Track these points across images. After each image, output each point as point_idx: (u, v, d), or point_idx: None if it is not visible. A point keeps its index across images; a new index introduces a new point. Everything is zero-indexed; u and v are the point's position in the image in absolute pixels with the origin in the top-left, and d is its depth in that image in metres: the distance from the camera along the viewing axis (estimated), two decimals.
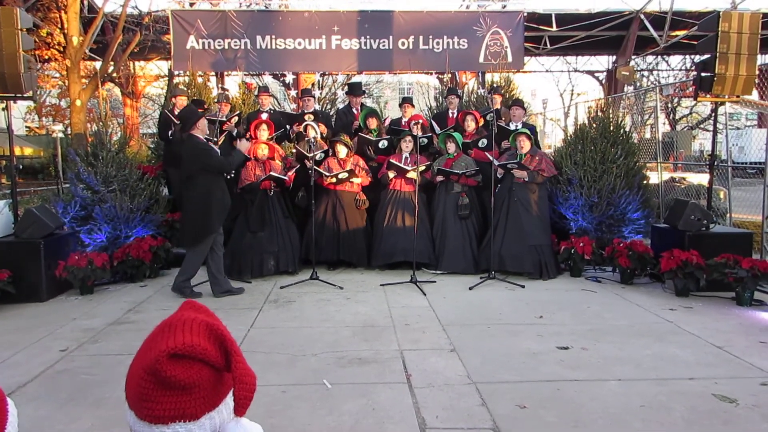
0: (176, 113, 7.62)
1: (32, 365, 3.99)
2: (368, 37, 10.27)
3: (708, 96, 6.41)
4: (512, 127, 7.10)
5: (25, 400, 3.40)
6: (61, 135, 20.78)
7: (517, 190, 6.60)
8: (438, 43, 10.36)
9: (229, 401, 0.95)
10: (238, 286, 6.02)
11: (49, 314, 5.32)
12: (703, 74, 6.27)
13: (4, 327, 4.93)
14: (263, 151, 6.60)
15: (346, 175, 6.77)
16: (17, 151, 22.60)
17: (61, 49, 15.45)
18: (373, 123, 7.43)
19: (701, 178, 9.33)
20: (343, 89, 15.52)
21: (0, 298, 5.36)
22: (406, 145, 6.90)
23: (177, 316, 0.95)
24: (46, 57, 17.07)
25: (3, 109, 6.18)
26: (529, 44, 17.57)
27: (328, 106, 15.46)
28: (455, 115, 7.80)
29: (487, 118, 7.12)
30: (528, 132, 6.68)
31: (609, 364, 3.89)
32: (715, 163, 6.84)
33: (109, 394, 3.48)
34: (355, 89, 8.25)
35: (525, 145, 6.57)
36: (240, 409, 0.94)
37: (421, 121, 7.35)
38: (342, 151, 6.88)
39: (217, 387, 0.92)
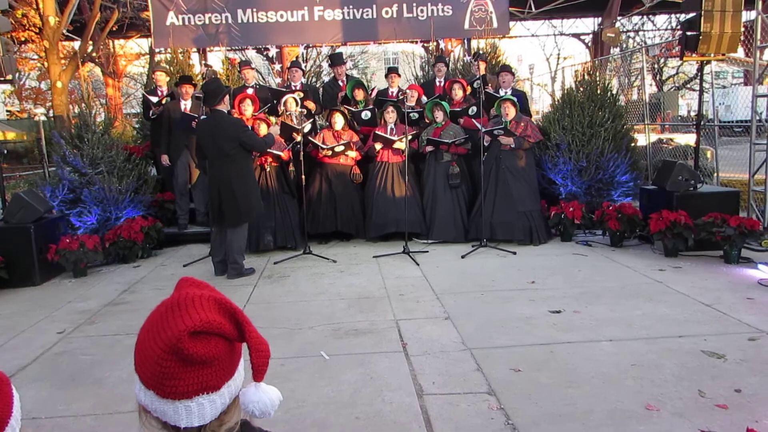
0: (158, 91, 7.53)
1: (31, 348, 4.02)
2: (351, 6, 10.10)
3: (694, 55, 6.40)
4: (501, 93, 7.07)
5: (26, 382, 3.43)
6: (43, 118, 20.49)
7: (504, 158, 6.61)
8: (422, 11, 10.21)
9: (240, 368, 1.01)
10: (248, 266, 5.86)
11: (44, 298, 5.34)
12: (688, 33, 6.25)
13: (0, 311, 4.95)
14: (262, 128, 6.52)
15: (342, 147, 6.73)
16: (0, 136, 22.28)
17: (38, 31, 15.08)
18: (359, 94, 7.37)
19: (688, 139, 9.37)
20: (327, 62, 15.34)
21: None
22: (390, 115, 6.86)
23: (182, 294, 0.97)
24: (23, 39, 16.67)
25: None
26: (514, 8, 17.29)
27: (314, 79, 15.29)
28: (442, 84, 7.75)
29: (474, 85, 7.08)
30: (513, 98, 6.65)
31: (601, 326, 3.97)
32: (702, 123, 6.86)
33: (109, 373, 3.52)
34: (336, 59, 8.16)
35: (510, 111, 6.55)
36: (258, 375, 0.98)
37: (413, 91, 7.30)
38: (339, 121, 6.82)
39: (231, 356, 0.97)
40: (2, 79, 5.87)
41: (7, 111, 28.86)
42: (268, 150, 6.30)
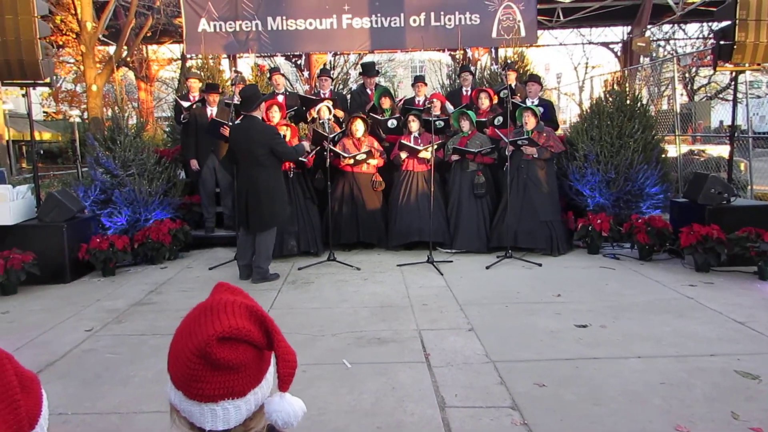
0: (190, 97, 7.65)
1: (59, 344, 4.10)
2: (379, 15, 10.15)
3: (728, 65, 6.27)
4: (528, 103, 7.02)
5: (53, 378, 3.50)
6: (78, 120, 20.96)
7: (526, 167, 6.56)
8: (450, 19, 10.21)
9: (268, 376, 1.02)
10: (273, 272, 5.91)
11: (74, 295, 5.45)
12: (722, 42, 6.12)
13: (30, 307, 5.07)
14: (285, 133, 6.57)
15: (363, 156, 6.74)
16: (36, 136, 22.88)
17: (75, 35, 15.49)
18: (386, 103, 7.38)
19: (721, 150, 9.18)
20: (355, 69, 15.42)
21: (26, 279, 5.48)
22: (412, 124, 6.84)
23: (216, 299, 0.98)
24: (61, 43, 17.15)
25: (23, 96, 6.24)
26: (542, 17, 17.20)
27: (341, 86, 15.38)
28: (469, 93, 7.72)
29: (501, 94, 7.04)
30: (533, 108, 6.60)
31: (628, 342, 3.89)
32: (736, 134, 6.71)
33: (135, 372, 3.56)
34: (368, 69, 8.19)
35: (530, 121, 6.51)
36: (284, 385, 0.99)
37: (437, 100, 7.27)
38: (360, 128, 6.84)
39: (259, 364, 0.98)
40: (41, 81, 6.02)
41: (44, 112, 29.65)
42: None
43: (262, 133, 5.54)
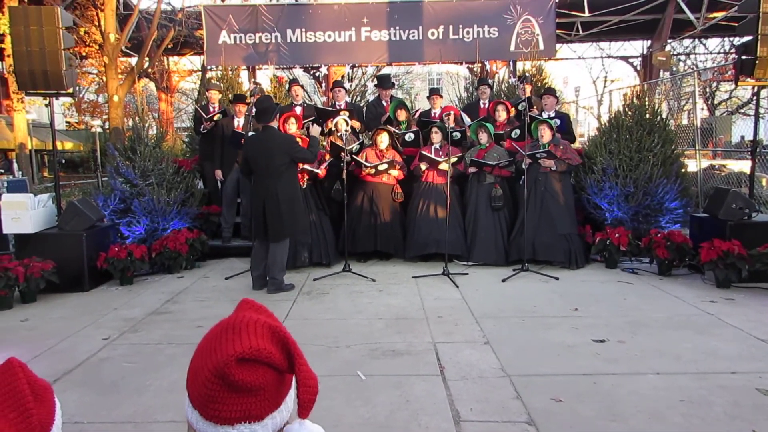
0: (209, 108, 7.74)
1: (77, 353, 4.13)
2: (398, 27, 10.24)
3: (749, 80, 6.21)
4: (545, 116, 7.00)
5: (70, 387, 3.52)
6: (99, 130, 21.32)
7: (543, 180, 6.53)
8: (468, 33, 10.27)
9: (288, 400, 0.97)
10: (288, 282, 5.92)
11: (92, 304, 5.50)
12: (744, 57, 6.07)
13: (49, 315, 5.13)
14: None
15: (386, 166, 6.77)
16: (58, 146, 23.30)
17: (98, 47, 15.80)
18: (402, 115, 7.40)
19: (742, 165, 9.05)
20: (372, 81, 15.49)
21: (45, 287, 5.55)
22: (435, 136, 6.86)
23: (239, 318, 0.95)
24: (84, 54, 17.50)
25: (46, 105, 6.37)
26: (561, 31, 17.20)
27: (358, 98, 15.48)
28: (486, 106, 7.72)
29: (519, 107, 7.03)
30: (549, 121, 6.58)
31: (647, 358, 3.82)
32: (758, 149, 6.62)
33: (150, 382, 3.58)
34: (384, 82, 8.23)
35: (546, 134, 6.50)
36: (304, 412, 0.94)
37: (452, 112, 7.28)
38: (384, 140, 6.87)
39: (279, 388, 0.94)
40: (64, 92, 6.13)
41: (66, 122, 30.21)
42: (305, 167, 6.39)
43: (282, 143, 5.58)
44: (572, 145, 7.22)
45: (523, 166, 6.38)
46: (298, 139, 6.42)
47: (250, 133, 6.04)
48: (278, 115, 5.69)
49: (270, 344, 0.92)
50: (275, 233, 5.58)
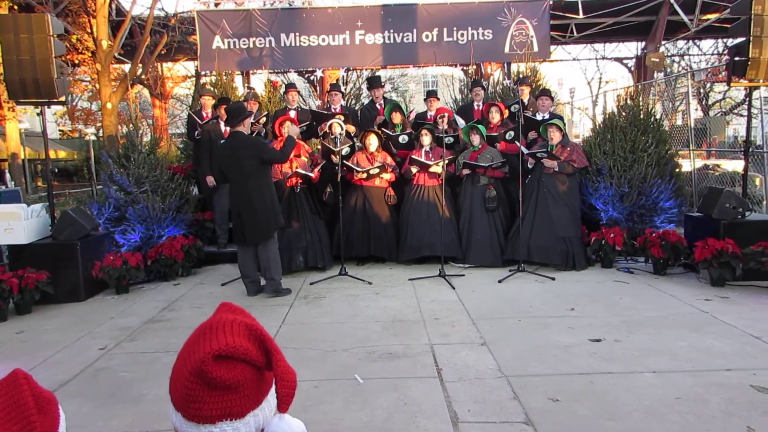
0: (203, 113, 7.74)
1: (73, 363, 4.12)
2: (392, 31, 10.27)
3: (742, 81, 6.25)
4: (539, 117, 7.02)
5: (67, 398, 3.51)
6: (93, 138, 21.28)
7: (546, 181, 6.53)
8: (462, 35, 10.31)
9: (270, 398, 0.98)
10: (285, 287, 5.92)
11: (88, 313, 5.48)
12: (736, 59, 6.11)
13: (45, 326, 5.10)
14: (292, 129, 6.57)
15: (377, 170, 6.77)
16: (51, 155, 23.24)
17: (91, 54, 15.78)
18: (397, 118, 7.40)
19: (736, 165, 9.10)
20: (365, 84, 15.50)
21: (40, 298, 5.52)
22: (425, 138, 6.85)
23: (216, 319, 0.96)
24: (77, 62, 17.46)
25: (38, 114, 6.34)
26: (555, 33, 17.25)
27: (353, 101, 15.49)
28: (480, 108, 7.74)
29: (512, 109, 7.05)
30: (559, 123, 6.60)
31: (643, 356, 3.84)
32: (750, 149, 6.65)
33: (147, 391, 3.57)
34: (374, 82, 8.24)
35: (555, 136, 6.52)
36: (283, 406, 0.96)
37: (446, 114, 7.29)
38: (373, 143, 6.87)
39: (259, 385, 0.95)
40: (56, 100, 6.10)
41: (60, 131, 30.13)
42: (298, 171, 6.39)
43: (249, 146, 5.55)
44: None
45: (528, 166, 6.41)
46: (286, 123, 6.42)
47: (221, 141, 6.04)
48: (246, 119, 5.63)
49: (246, 341, 0.93)
50: (253, 235, 5.60)
